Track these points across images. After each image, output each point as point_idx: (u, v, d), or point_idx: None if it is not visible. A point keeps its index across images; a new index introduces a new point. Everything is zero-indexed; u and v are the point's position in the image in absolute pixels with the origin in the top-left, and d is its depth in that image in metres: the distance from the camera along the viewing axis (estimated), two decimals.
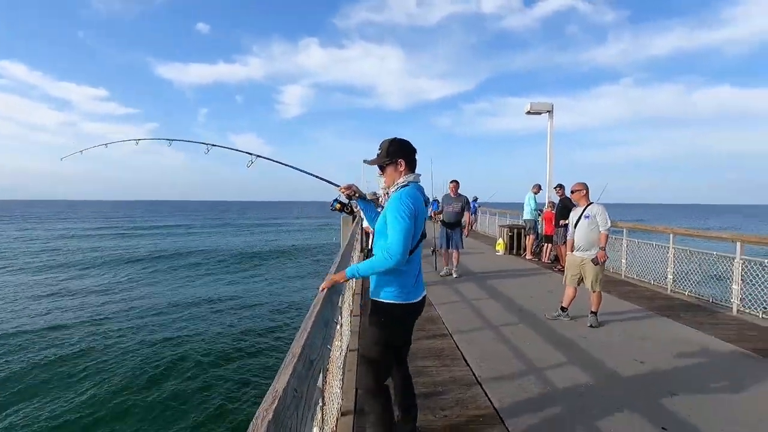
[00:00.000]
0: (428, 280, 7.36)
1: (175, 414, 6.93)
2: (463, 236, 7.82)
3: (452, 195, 7.69)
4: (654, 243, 7.39)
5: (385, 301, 2.23)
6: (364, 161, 2.47)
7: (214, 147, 3.99)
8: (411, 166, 2.34)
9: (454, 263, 7.77)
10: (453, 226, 7.64)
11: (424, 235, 2.33)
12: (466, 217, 7.75)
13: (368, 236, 8.71)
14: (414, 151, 2.38)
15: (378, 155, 2.36)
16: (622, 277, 7.94)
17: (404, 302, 2.23)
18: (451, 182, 7.77)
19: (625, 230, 8.12)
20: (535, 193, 10.29)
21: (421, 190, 2.33)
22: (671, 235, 6.95)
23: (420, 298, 2.33)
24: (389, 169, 2.32)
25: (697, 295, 6.33)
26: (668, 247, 6.89)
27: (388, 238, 2.09)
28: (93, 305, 13.77)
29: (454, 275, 7.68)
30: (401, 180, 2.27)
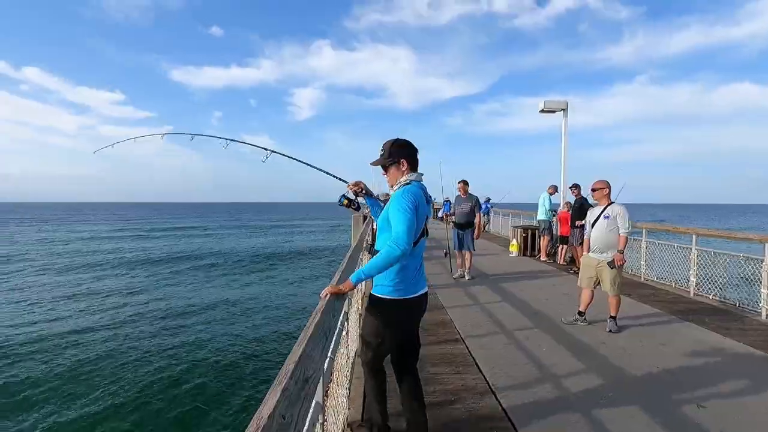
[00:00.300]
0: (441, 282, 7.24)
1: (193, 414, 6.99)
2: (474, 237, 7.63)
3: (462, 195, 7.58)
4: (676, 244, 7.13)
5: (382, 296, 2.20)
6: (370, 163, 2.43)
7: (232, 143, 4.10)
8: (413, 165, 2.35)
9: (467, 265, 7.63)
10: (464, 227, 7.49)
11: (425, 233, 2.31)
12: (476, 218, 7.55)
13: None
14: (416, 151, 2.39)
15: (381, 156, 2.37)
16: (642, 279, 7.67)
17: (402, 297, 2.19)
18: (460, 182, 7.64)
19: (644, 231, 7.86)
20: (551, 194, 10.06)
21: (423, 188, 2.32)
22: (694, 236, 6.68)
23: (420, 294, 2.27)
24: (392, 169, 2.35)
25: (722, 299, 6.06)
26: (691, 249, 6.62)
27: (393, 228, 2.06)
28: (113, 307, 14.02)
29: (467, 277, 7.54)
30: (403, 179, 2.29)
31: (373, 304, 2.25)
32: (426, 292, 2.34)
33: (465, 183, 7.58)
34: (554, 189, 10.08)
